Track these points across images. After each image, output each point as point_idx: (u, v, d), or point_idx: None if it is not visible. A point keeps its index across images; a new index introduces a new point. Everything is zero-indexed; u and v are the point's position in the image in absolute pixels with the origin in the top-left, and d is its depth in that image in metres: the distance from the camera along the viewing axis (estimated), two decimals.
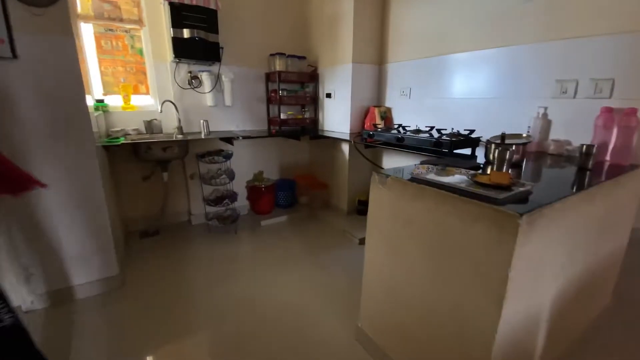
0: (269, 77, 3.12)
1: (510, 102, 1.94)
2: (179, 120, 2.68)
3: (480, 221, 0.92)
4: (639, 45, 1.41)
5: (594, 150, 1.33)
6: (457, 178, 1.17)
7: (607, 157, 1.50)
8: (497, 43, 1.96)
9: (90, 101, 2.39)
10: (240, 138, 2.60)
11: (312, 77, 3.24)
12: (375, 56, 2.89)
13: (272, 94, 3.13)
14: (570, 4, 1.62)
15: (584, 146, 1.35)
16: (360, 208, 3.02)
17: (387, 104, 2.91)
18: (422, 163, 1.38)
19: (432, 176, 1.18)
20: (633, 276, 1.74)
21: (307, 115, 3.33)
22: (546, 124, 1.75)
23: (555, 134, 1.74)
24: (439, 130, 1.87)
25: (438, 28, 2.33)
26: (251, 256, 2.43)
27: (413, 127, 2.29)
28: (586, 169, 1.35)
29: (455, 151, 1.81)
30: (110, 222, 1.90)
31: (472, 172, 1.21)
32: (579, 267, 1.29)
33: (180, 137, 2.61)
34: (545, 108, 1.74)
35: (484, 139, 1.91)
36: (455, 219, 0.99)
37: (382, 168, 2.71)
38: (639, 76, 1.43)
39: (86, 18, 2.43)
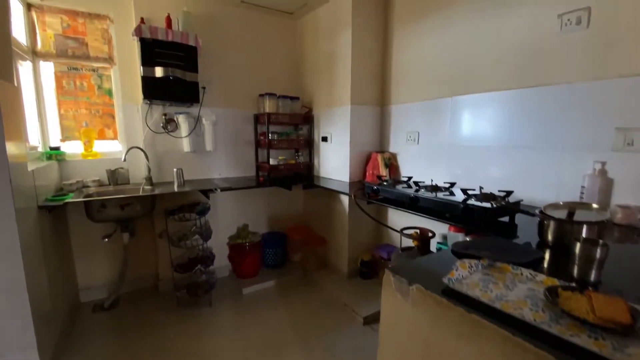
0: (257, 118, 2.78)
1: (552, 154, 1.53)
2: (149, 169, 2.28)
3: None
4: None
5: None
6: (522, 291, 0.72)
7: None
8: (530, 82, 1.60)
9: (38, 149, 2.01)
10: (218, 191, 2.18)
11: (307, 119, 2.91)
12: (377, 97, 2.56)
13: (261, 137, 2.77)
14: (630, 30, 1.26)
15: None
16: (364, 270, 2.52)
17: (392, 149, 2.53)
18: (461, 254, 0.93)
19: (481, 285, 0.73)
20: None
21: (301, 159, 2.95)
22: (606, 183, 1.33)
23: (619, 197, 1.32)
24: (464, 191, 1.45)
25: (452, 63, 1.99)
26: (226, 339, 1.91)
27: (427, 182, 1.87)
28: None
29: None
30: (38, 301, 1.41)
31: (539, 276, 0.77)
32: None
33: (148, 188, 2.20)
34: (603, 163, 1.33)
35: (520, 197, 1.48)
36: None
37: (390, 227, 2.26)
38: None
39: (46, 56, 2.12)
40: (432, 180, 1.87)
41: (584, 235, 0.93)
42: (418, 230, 1.90)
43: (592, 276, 0.76)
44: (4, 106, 1.30)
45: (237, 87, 2.68)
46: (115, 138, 2.39)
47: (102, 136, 2.35)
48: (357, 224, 2.52)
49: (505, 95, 1.71)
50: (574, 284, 0.72)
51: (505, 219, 1.38)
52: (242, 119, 2.75)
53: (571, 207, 0.99)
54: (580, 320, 0.60)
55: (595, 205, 1.06)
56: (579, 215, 0.99)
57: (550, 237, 1.01)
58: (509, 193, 1.41)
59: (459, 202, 1.39)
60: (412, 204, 1.64)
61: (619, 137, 1.30)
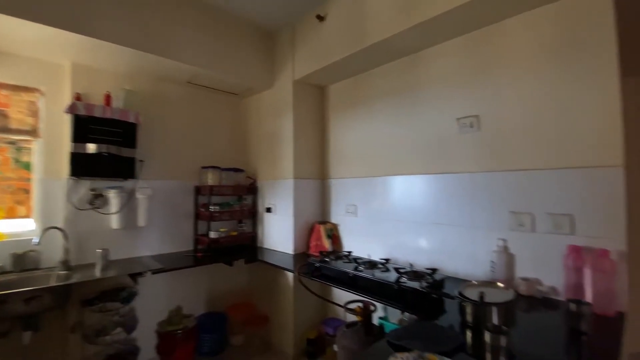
0: (199, 190, 2.73)
1: (467, 231, 1.76)
2: (66, 251, 2.02)
3: None
4: (596, 180, 1.36)
5: (585, 310, 1.09)
6: None
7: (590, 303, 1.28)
8: (443, 169, 1.89)
9: None
10: (149, 274, 2.00)
11: (251, 189, 2.94)
12: (318, 171, 2.74)
13: (202, 209, 2.69)
14: (515, 136, 1.62)
15: (574, 303, 1.11)
16: (310, 350, 2.40)
17: (334, 220, 2.65)
18: (396, 345, 0.98)
19: None
20: None
21: (244, 229, 2.89)
22: (510, 259, 1.56)
23: (521, 270, 1.55)
24: (397, 270, 1.57)
25: (379, 147, 2.28)
26: None
27: (366, 254, 1.98)
28: (582, 332, 1.09)
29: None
30: None
31: None
32: None
33: (64, 274, 1.93)
34: (505, 241, 1.58)
35: (445, 269, 1.64)
36: None
37: (334, 303, 2.26)
38: (599, 213, 1.34)
39: None
40: (369, 255, 1.99)
41: (494, 318, 1.06)
42: (361, 304, 1.94)
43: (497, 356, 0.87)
44: None
45: (178, 160, 2.66)
46: (28, 216, 2.12)
47: (12, 214, 2.07)
48: (303, 298, 2.46)
49: (426, 178, 1.98)
50: None
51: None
52: (181, 191, 2.68)
53: (482, 289, 1.14)
54: None
55: (500, 285, 1.24)
56: (490, 295, 1.14)
57: (469, 318, 1.13)
58: (434, 270, 1.56)
59: (393, 283, 1.49)
60: (352, 283, 1.70)
61: (513, 219, 1.58)
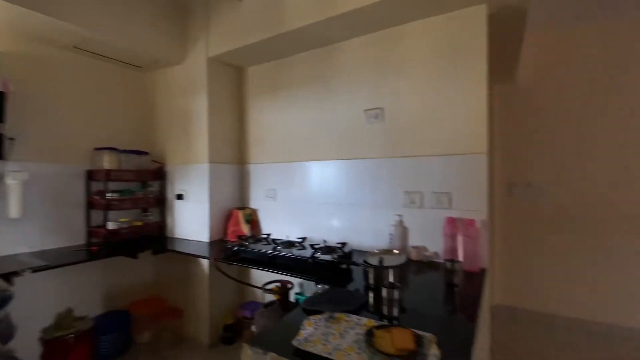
0: (92, 175, 2.37)
1: (371, 210, 2.00)
2: None
3: None
4: (467, 165, 1.69)
5: (457, 266, 1.38)
6: (352, 337, 0.90)
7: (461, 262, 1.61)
8: (353, 155, 2.08)
9: None
10: (28, 272, 1.68)
11: (158, 174, 2.69)
12: (236, 156, 2.68)
13: (96, 197, 2.35)
14: (411, 127, 1.88)
15: (449, 262, 1.39)
16: (227, 336, 2.39)
17: (253, 205, 2.65)
18: (309, 310, 1.07)
19: (323, 339, 0.87)
20: None
21: (151, 219, 2.65)
22: (404, 231, 1.83)
23: (413, 240, 1.83)
24: (312, 246, 1.70)
25: (297, 136, 2.36)
26: None
27: (283, 237, 2.05)
28: (454, 284, 1.37)
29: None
30: None
31: (362, 319, 0.98)
32: None
33: None
34: (400, 216, 1.84)
35: (354, 244, 1.84)
36: None
37: (253, 285, 2.28)
38: (469, 190, 1.69)
39: None
40: (287, 236, 2.07)
41: (390, 278, 1.25)
42: (279, 284, 2.01)
43: (396, 312, 1.04)
44: None
45: (65, 140, 2.25)
46: None
47: None
48: (220, 286, 2.41)
49: (339, 163, 2.14)
50: (385, 322, 0.97)
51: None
52: (69, 176, 2.29)
53: (381, 256, 1.33)
54: (388, 354, 0.81)
55: (395, 251, 1.46)
56: (387, 261, 1.33)
57: (371, 281, 1.31)
58: (344, 244, 1.74)
59: (308, 257, 1.60)
60: (271, 262, 1.76)
61: (407, 197, 1.85)
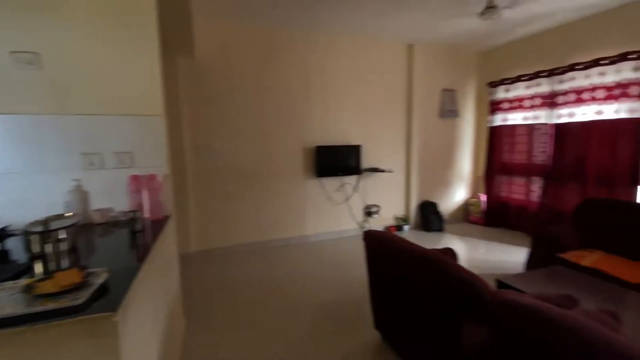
0: None
1: (39, 177, 1.67)
2: None
3: (68, 344, 0.75)
4: (147, 125, 1.81)
5: (138, 215, 1.55)
6: (4, 299, 0.85)
7: (147, 215, 1.79)
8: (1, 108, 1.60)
9: None
10: None
11: None
12: None
13: None
14: (83, 85, 1.70)
15: (131, 213, 1.53)
16: None
17: None
18: None
19: None
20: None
21: None
22: (84, 195, 1.73)
23: (96, 203, 1.78)
24: None
25: None
26: None
27: None
28: (137, 231, 1.54)
29: None
30: None
31: (21, 281, 0.94)
32: (163, 314, 1.46)
33: None
34: (78, 180, 1.71)
35: (11, 227, 1.49)
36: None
37: None
38: (151, 149, 1.85)
39: None
40: None
41: (62, 236, 1.21)
42: None
43: (63, 264, 1.06)
44: None
45: None
46: None
47: None
48: None
49: None
50: (47, 275, 0.97)
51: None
52: None
53: (47, 220, 1.23)
54: (50, 294, 0.85)
55: (68, 214, 1.39)
56: (56, 225, 1.25)
57: (36, 249, 1.19)
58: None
59: None
60: None
61: (85, 159, 1.74)
